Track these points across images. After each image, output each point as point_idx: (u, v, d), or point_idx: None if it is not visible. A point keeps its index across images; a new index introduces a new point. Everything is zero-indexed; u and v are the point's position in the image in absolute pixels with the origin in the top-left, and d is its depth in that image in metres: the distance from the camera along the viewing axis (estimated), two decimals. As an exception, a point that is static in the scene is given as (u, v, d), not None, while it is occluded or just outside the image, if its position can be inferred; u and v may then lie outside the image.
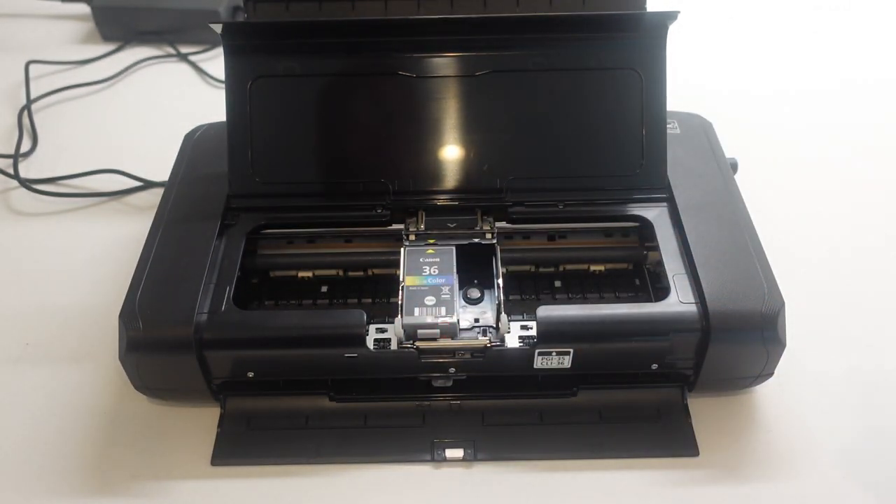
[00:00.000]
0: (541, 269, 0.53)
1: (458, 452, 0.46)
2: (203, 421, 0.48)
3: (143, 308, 0.45)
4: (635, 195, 0.51)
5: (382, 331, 0.46)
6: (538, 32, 0.51)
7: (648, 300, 0.51)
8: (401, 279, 0.47)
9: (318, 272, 0.53)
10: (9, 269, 0.59)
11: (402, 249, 0.49)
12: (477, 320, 0.47)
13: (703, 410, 0.48)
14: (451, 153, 0.52)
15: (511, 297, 0.52)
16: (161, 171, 0.61)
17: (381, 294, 0.51)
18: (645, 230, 0.51)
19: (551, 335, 0.44)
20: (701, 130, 0.58)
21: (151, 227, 0.51)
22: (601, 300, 0.51)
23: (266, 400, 0.48)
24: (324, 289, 0.52)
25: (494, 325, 0.46)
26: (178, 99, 0.78)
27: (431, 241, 0.50)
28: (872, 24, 0.88)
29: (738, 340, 0.44)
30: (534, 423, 0.47)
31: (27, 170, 0.69)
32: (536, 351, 0.44)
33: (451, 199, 0.52)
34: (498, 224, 0.51)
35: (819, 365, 0.51)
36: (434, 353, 0.44)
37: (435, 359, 0.45)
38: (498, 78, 0.51)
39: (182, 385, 0.46)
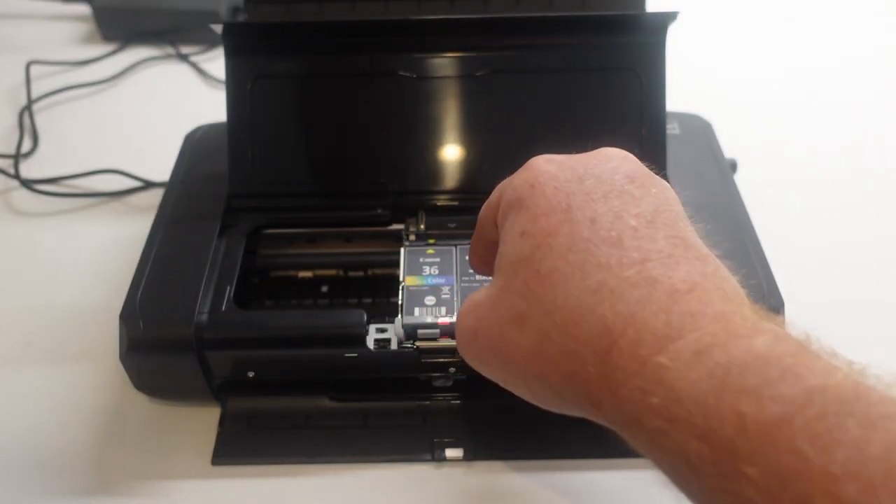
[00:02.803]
0: (541, 269, 0.53)
1: (458, 452, 0.45)
2: (203, 421, 0.48)
3: (144, 308, 0.45)
4: (635, 195, 0.51)
5: (382, 331, 0.46)
6: (538, 33, 0.51)
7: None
8: (401, 279, 0.47)
9: (319, 272, 0.53)
10: (9, 269, 0.59)
11: (402, 249, 0.49)
12: None
13: (702, 410, 0.48)
14: (452, 153, 0.52)
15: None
16: (162, 171, 0.61)
17: (381, 294, 0.51)
18: (645, 230, 0.51)
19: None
20: (700, 131, 0.58)
21: (152, 227, 0.51)
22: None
23: (266, 399, 0.48)
24: (324, 289, 0.53)
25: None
26: (178, 99, 0.78)
27: (431, 242, 0.50)
28: (874, 24, 0.88)
29: (737, 340, 0.44)
30: (535, 423, 0.47)
31: (28, 170, 0.69)
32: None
33: (452, 200, 0.52)
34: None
35: (818, 365, 0.51)
36: (434, 353, 0.44)
37: (435, 359, 0.44)
38: (498, 78, 0.51)
39: (182, 385, 0.46)
